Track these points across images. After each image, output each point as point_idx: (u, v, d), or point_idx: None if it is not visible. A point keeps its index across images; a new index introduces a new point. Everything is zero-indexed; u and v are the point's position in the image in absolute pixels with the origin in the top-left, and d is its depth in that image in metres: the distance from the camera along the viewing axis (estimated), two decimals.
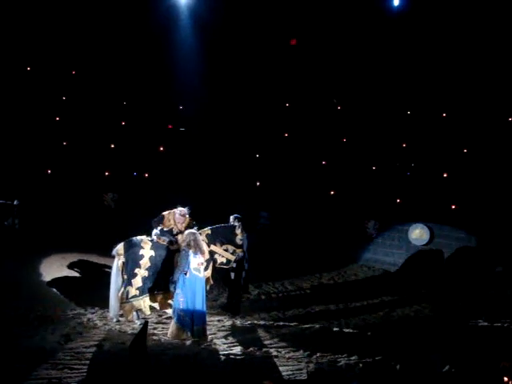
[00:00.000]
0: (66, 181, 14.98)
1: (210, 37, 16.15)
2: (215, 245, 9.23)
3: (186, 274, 8.32)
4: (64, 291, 10.34)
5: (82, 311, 9.41)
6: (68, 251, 12.53)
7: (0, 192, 12.71)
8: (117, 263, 9.03)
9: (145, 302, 9.00)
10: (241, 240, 9.42)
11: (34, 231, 12.93)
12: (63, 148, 15.65)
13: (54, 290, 10.47)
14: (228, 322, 9.42)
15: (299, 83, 16.65)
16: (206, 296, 8.95)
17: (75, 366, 6.97)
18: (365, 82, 16.05)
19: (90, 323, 8.87)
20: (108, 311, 9.19)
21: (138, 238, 9.18)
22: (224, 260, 9.30)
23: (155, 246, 9.10)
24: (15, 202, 12.43)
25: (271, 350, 8.05)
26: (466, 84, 14.91)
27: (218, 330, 8.97)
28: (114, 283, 9.02)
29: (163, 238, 9.21)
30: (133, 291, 8.91)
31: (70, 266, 11.67)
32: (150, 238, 9.18)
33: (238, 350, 8.03)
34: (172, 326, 8.44)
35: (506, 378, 5.66)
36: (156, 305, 9.25)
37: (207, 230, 9.26)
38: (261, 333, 8.96)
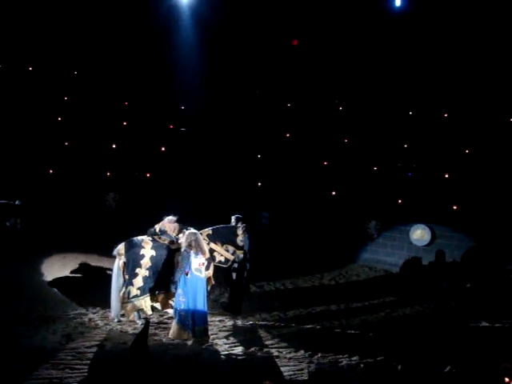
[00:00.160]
0: (67, 181, 15.01)
1: (211, 37, 16.14)
2: (216, 244, 9.24)
3: (187, 274, 8.33)
4: (65, 291, 10.36)
5: (84, 311, 9.42)
6: (69, 251, 12.56)
7: (2, 192, 12.72)
8: (118, 263, 9.04)
9: (146, 302, 9.01)
10: (242, 241, 9.41)
11: (36, 231, 12.93)
12: (65, 148, 15.67)
13: (55, 289, 10.49)
14: (229, 322, 9.42)
15: (301, 84, 16.64)
16: (208, 296, 8.96)
17: (76, 366, 6.97)
18: (366, 83, 16.04)
19: (91, 323, 8.88)
20: (109, 311, 9.20)
21: (139, 237, 9.19)
22: (222, 259, 9.29)
23: (156, 245, 9.11)
24: (17, 202, 12.43)
25: (272, 351, 8.06)
26: (467, 85, 14.89)
27: (220, 330, 8.97)
28: (115, 283, 9.03)
29: (164, 237, 9.22)
30: (134, 291, 8.92)
31: (72, 266, 11.68)
32: (150, 238, 9.19)
33: (239, 350, 8.04)
34: (173, 326, 8.44)
35: (507, 379, 5.66)
36: (157, 305, 9.26)
37: (208, 230, 9.26)
38: (262, 333, 8.96)
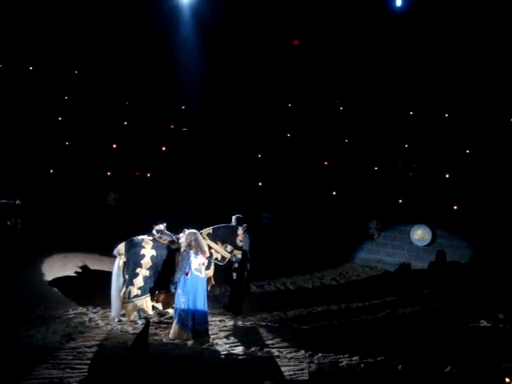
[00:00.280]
0: (68, 180, 15.02)
1: (212, 37, 16.15)
2: (216, 243, 9.23)
3: (186, 274, 8.32)
4: (66, 291, 10.37)
5: (84, 311, 9.42)
6: (70, 251, 12.58)
7: (2, 191, 12.72)
8: (118, 263, 9.05)
9: (147, 302, 9.00)
10: (241, 241, 9.42)
11: (37, 231, 12.95)
12: (65, 148, 15.68)
13: (56, 289, 10.50)
14: (230, 322, 9.42)
15: (302, 84, 16.63)
16: (208, 296, 8.95)
17: (77, 366, 6.97)
18: (367, 83, 16.03)
19: (91, 323, 8.88)
20: (110, 311, 9.20)
21: (139, 237, 9.19)
22: (219, 256, 9.29)
23: (156, 245, 9.11)
24: (17, 202, 12.43)
25: (273, 350, 8.06)
26: (468, 85, 14.87)
27: (220, 330, 8.97)
28: (115, 283, 9.03)
29: (164, 236, 9.22)
30: (135, 291, 8.91)
31: (72, 266, 11.70)
32: (151, 238, 9.18)
33: (239, 350, 8.04)
34: (174, 327, 8.43)
35: (507, 379, 5.65)
36: (158, 305, 9.28)
37: (209, 230, 9.27)
38: (262, 333, 8.96)
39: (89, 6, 15.69)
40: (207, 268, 8.95)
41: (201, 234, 8.87)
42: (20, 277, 10.67)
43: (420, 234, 13.80)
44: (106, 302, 9.31)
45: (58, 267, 11.67)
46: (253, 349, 8.05)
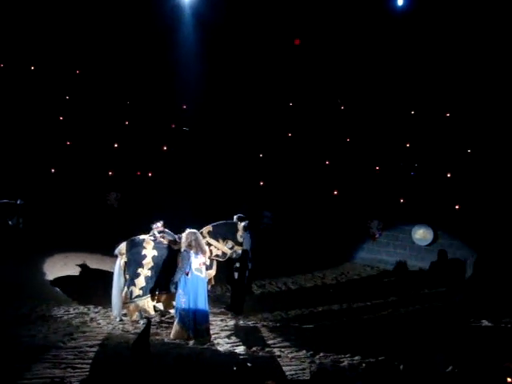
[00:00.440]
0: (69, 180, 15.01)
1: (213, 36, 16.12)
2: (217, 240, 9.21)
3: (187, 274, 8.31)
4: (67, 290, 10.38)
5: (85, 310, 9.42)
6: (71, 250, 12.58)
7: (4, 191, 12.73)
8: (119, 263, 9.04)
9: (149, 302, 9.00)
10: (241, 237, 9.41)
11: (38, 230, 12.95)
12: (67, 147, 15.67)
13: (57, 289, 10.52)
14: (231, 322, 9.41)
15: (303, 83, 16.61)
16: (209, 296, 8.94)
17: (78, 365, 6.96)
18: (368, 82, 16.00)
19: (93, 322, 8.88)
20: (111, 310, 9.20)
21: (141, 237, 9.19)
22: (220, 253, 9.26)
23: (157, 245, 9.10)
24: (19, 202, 12.44)
25: (274, 350, 8.05)
26: (469, 84, 14.84)
27: (221, 330, 8.97)
28: (116, 282, 9.04)
29: (167, 236, 9.21)
30: (136, 291, 8.91)
31: (73, 266, 11.69)
32: (152, 238, 9.18)
33: (241, 349, 8.02)
34: (175, 327, 8.43)
35: (509, 379, 5.63)
36: (160, 305, 9.26)
37: (209, 227, 9.24)
38: (264, 332, 8.96)
39: (90, 5, 15.67)
40: (210, 268, 8.94)
41: (201, 232, 8.86)
42: (21, 276, 10.68)
43: (421, 234, 13.79)
44: (107, 302, 9.32)
45: (60, 267, 11.67)
46: (254, 348, 8.04)
